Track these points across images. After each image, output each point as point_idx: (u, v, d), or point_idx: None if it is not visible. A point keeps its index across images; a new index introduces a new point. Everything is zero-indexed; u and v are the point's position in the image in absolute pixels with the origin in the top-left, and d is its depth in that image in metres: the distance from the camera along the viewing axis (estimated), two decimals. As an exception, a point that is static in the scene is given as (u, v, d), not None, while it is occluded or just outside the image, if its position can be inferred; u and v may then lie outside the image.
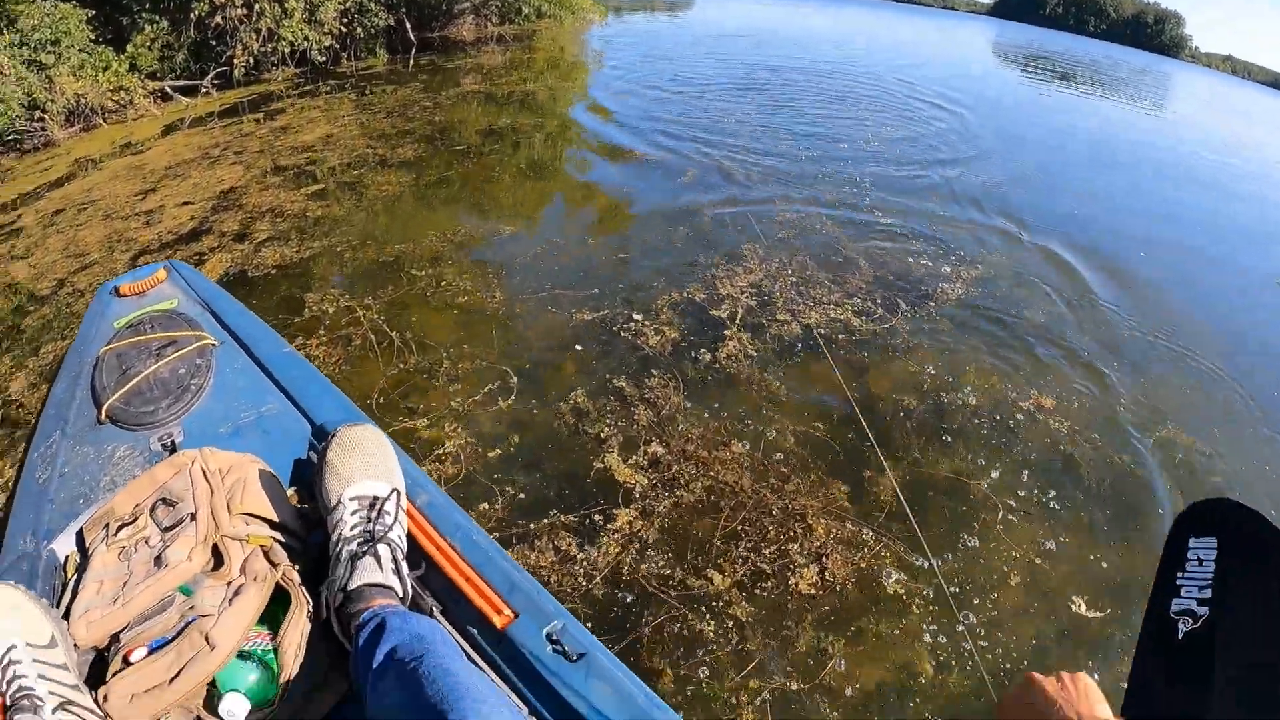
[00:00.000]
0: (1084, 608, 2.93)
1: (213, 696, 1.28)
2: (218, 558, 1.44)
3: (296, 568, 1.49)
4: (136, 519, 1.48)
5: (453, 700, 1.07)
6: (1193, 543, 0.91)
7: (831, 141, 8.24)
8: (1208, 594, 0.86)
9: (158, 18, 9.91)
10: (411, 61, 12.17)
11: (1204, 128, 17.25)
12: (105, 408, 1.93)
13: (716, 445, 3.53)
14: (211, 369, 2.09)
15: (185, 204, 6.10)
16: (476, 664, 1.37)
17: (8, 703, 1.10)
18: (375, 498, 1.50)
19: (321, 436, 1.86)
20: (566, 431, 3.57)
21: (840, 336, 4.39)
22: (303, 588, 1.44)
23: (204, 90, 10.27)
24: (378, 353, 4.04)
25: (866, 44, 19.20)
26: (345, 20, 11.46)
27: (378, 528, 1.45)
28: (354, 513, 1.47)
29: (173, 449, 1.83)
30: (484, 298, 4.60)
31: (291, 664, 1.32)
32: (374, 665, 1.22)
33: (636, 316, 4.47)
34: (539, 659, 1.36)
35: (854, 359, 4.22)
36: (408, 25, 12.77)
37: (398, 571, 1.45)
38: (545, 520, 3.05)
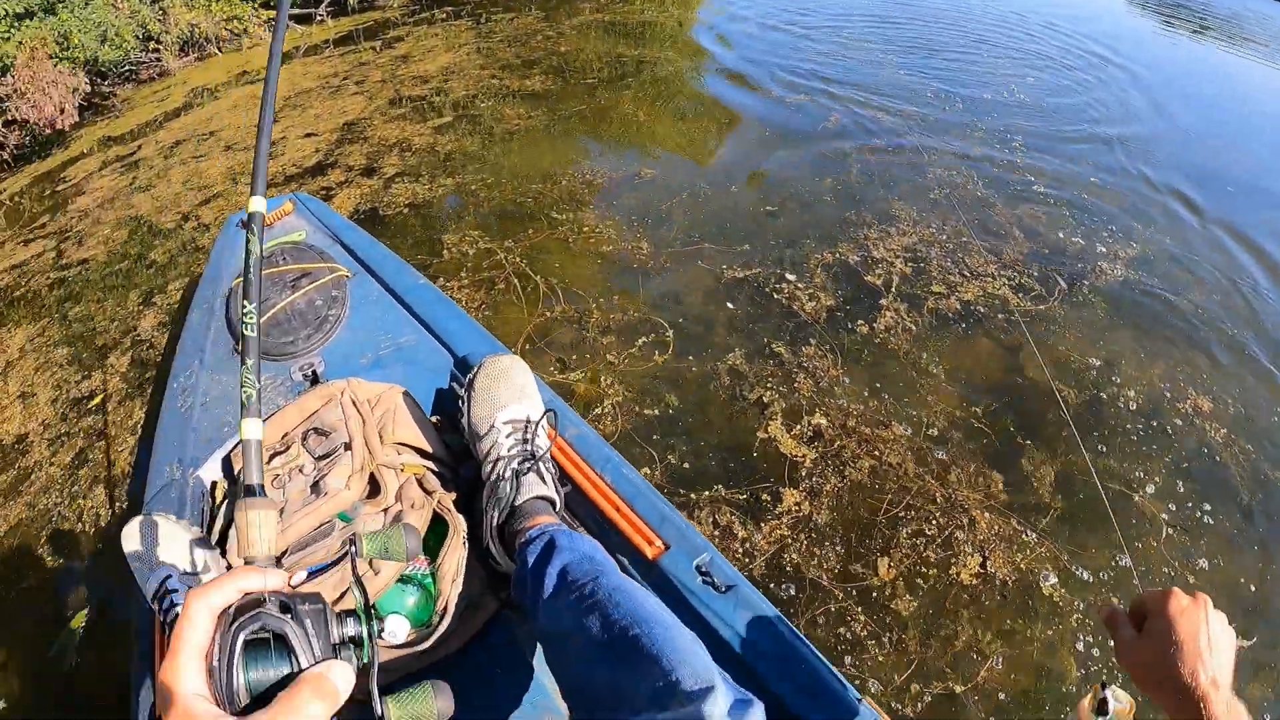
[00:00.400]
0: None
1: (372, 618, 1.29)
2: (374, 486, 1.47)
3: (452, 495, 1.53)
4: (288, 448, 1.52)
5: (642, 625, 1.07)
6: None
7: (978, 91, 7.53)
8: None
9: (269, -54, 9.87)
10: None
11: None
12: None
13: (878, 424, 3.25)
14: (347, 300, 2.11)
15: (308, 135, 5.99)
16: None
17: (168, 632, 1.11)
18: (528, 420, 1.53)
19: (464, 368, 1.88)
20: (725, 395, 3.34)
21: (998, 316, 3.98)
22: (458, 513, 1.48)
23: (318, 18, 10.15)
24: (522, 298, 3.85)
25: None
26: (462, -57, 11.06)
27: (535, 447, 1.50)
28: (509, 435, 1.49)
29: (315, 379, 1.87)
30: (629, 247, 4.33)
31: (449, 588, 1.37)
32: (545, 584, 1.24)
33: (789, 277, 4.13)
34: (689, 589, 1.41)
35: (1010, 341, 3.84)
36: (526, -54, 12.32)
37: (556, 488, 1.50)
38: (707, 493, 2.87)
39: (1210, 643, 0.85)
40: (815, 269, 4.25)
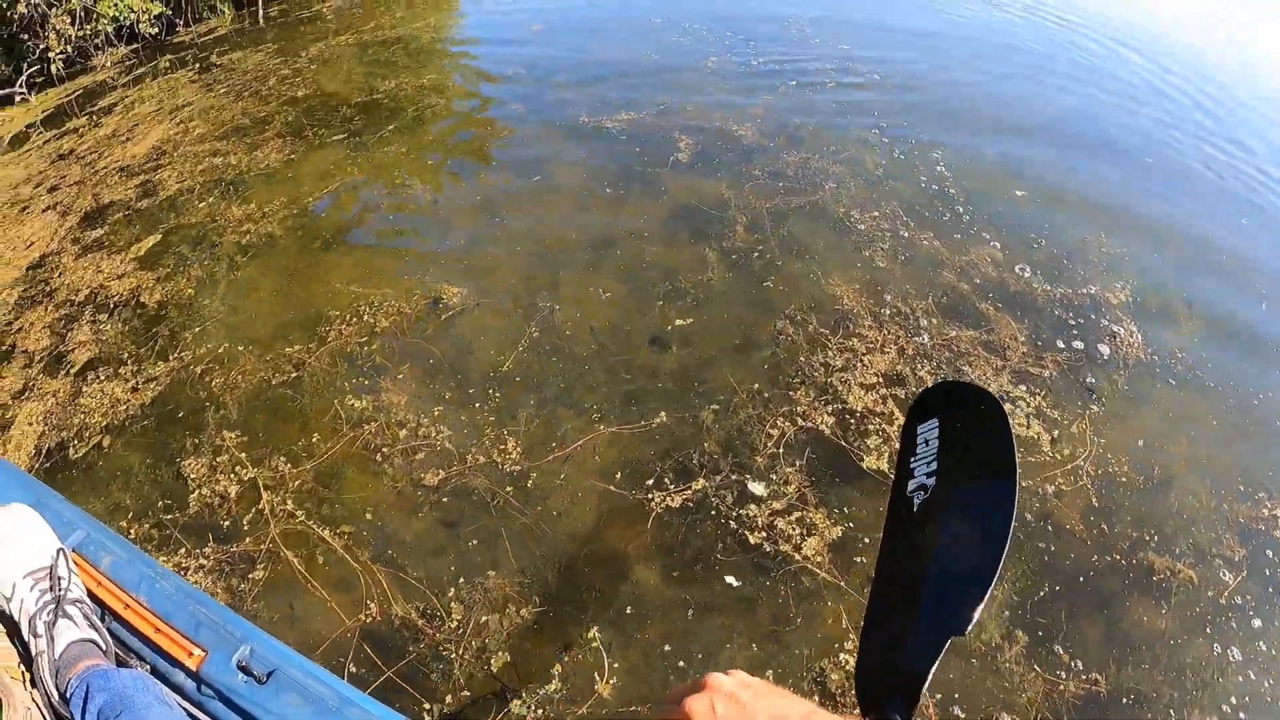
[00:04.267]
0: None
1: None
2: None
3: (18, 666, 1.44)
4: None
5: None
6: (920, 429, 1.04)
7: (852, 75, 6.22)
8: (934, 466, 0.99)
9: (-52, 18, 8.36)
10: (261, 15, 10.12)
11: None
12: None
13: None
14: None
15: None
16: (184, 708, 1.42)
17: None
18: (49, 568, 1.47)
19: None
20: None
21: (1049, 485, 2.87)
22: (24, 683, 1.39)
23: (19, 97, 8.49)
24: (322, 583, 2.46)
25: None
26: (175, -21, 9.57)
27: (60, 592, 1.45)
28: (32, 589, 1.44)
29: None
30: (483, 458, 2.84)
31: None
32: None
33: (755, 489, 2.75)
34: (233, 690, 1.39)
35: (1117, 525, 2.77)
36: (253, -29, 10.89)
37: (94, 626, 1.46)
38: None
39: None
40: (781, 459, 2.87)
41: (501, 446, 2.90)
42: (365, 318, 3.52)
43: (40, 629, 1.40)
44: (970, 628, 0.81)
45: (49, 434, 3.19)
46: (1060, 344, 3.48)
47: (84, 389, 3.37)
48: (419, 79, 6.51)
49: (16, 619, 1.45)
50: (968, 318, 3.56)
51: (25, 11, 8.29)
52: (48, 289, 4.22)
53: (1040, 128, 5.44)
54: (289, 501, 2.71)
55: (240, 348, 3.43)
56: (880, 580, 0.98)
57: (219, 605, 1.53)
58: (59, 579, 1.47)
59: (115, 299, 3.94)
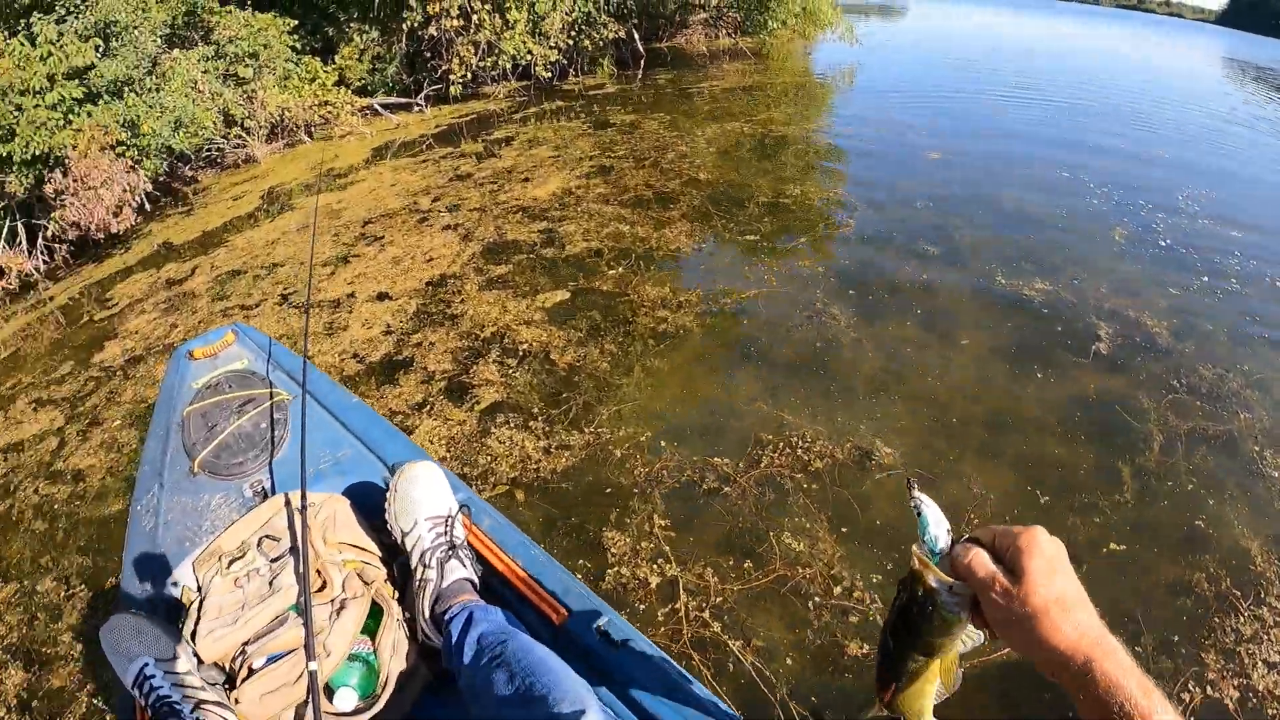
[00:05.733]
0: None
1: (326, 691, 1.46)
2: (321, 581, 1.57)
3: (388, 585, 1.67)
4: (245, 554, 1.62)
5: (535, 674, 1.32)
6: None
7: (1247, 271, 5.40)
8: None
9: (367, 27, 9.43)
10: (640, 75, 10.91)
11: None
12: (198, 461, 2.01)
13: None
14: (289, 421, 2.15)
15: (381, 297, 4.65)
16: None
17: (150, 714, 1.28)
18: (447, 516, 1.71)
19: (394, 474, 1.91)
20: None
21: None
22: (393, 599, 1.62)
23: (416, 108, 9.66)
24: (716, 690, 2.35)
25: (1135, 62, 16.56)
26: (571, 33, 10.44)
27: (454, 538, 1.68)
28: (431, 529, 1.66)
29: (265, 495, 1.95)
30: None
31: (388, 662, 1.53)
32: (466, 650, 1.45)
33: None
34: (590, 647, 1.56)
35: None
36: (636, 37, 11.70)
37: (474, 570, 1.67)
38: None
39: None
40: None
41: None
42: (798, 451, 3.28)
43: (432, 562, 1.62)
44: None
45: (450, 462, 3.21)
46: None
47: (491, 430, 3.36)
48: (823, 191, 6.40)
49: (409, 550, 1.67)
50: None
51: (435, 34, 9.24)
52: (449, 312, 4.34)
53: None
54: (706, 611, 2.56)
55: (663, 442, 3.30)
56: None
57: (581, 583, 1.71)
58: (454, 527, 1.70)
59: (524, 347, 3.97)
